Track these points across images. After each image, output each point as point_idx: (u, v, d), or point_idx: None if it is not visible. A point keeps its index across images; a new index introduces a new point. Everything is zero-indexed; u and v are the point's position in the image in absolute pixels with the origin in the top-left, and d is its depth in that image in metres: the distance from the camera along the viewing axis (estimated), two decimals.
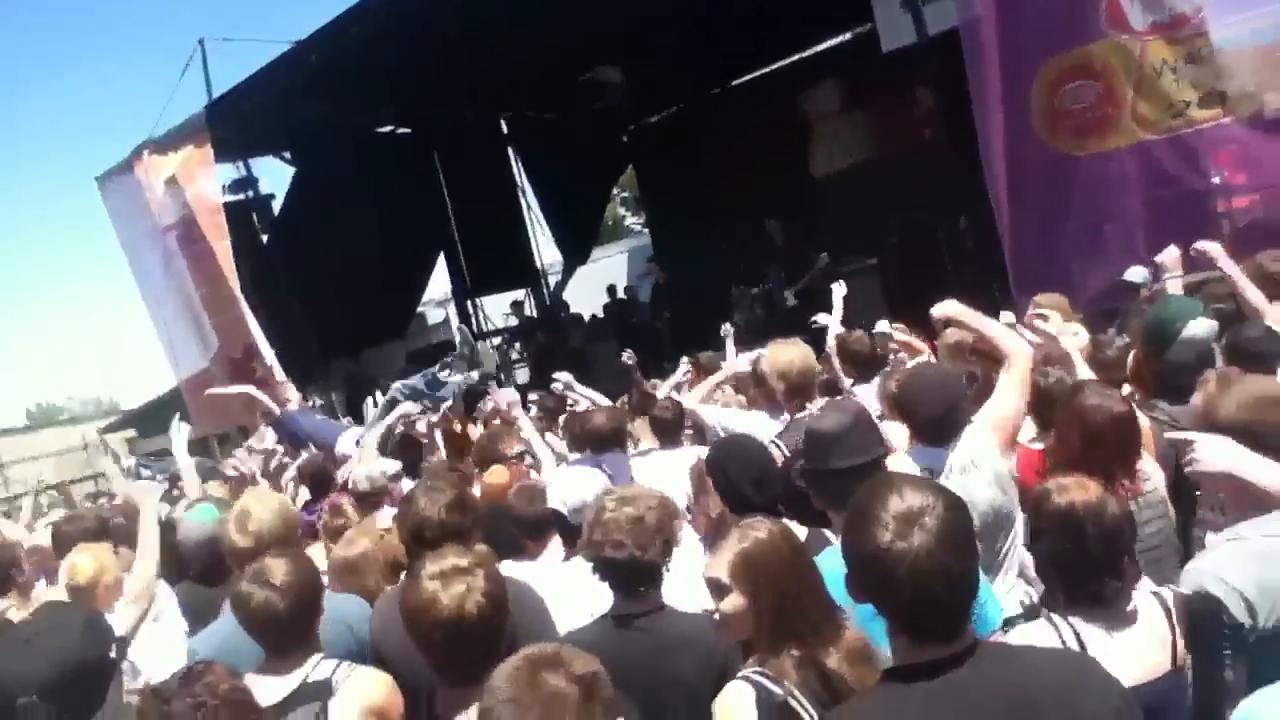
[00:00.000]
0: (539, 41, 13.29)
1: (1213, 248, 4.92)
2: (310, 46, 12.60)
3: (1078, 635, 2.56)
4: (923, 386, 3.75)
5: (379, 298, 16.01)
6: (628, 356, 8.67)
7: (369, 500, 5.17)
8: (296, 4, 56.77)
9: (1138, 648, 2.57)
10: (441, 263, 17.57)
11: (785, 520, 2.80)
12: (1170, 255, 5.49)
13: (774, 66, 17.53)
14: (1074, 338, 4.93)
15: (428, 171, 16.77)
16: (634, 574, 2.90)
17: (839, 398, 5.41)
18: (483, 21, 12.42)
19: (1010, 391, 3.61)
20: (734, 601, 2.47)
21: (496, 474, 5.06)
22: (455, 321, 18.43)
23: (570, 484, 3.87)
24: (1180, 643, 2.59)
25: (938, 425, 3.58)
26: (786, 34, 16.03)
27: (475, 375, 9.49)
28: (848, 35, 16.27)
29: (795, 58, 17.28)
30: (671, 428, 5.70)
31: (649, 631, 2.82)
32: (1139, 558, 2.92)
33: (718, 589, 2.51)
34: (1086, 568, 2.61)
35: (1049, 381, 3.97)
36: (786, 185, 16.26)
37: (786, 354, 4.98)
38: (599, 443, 5.36)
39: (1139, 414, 3.62)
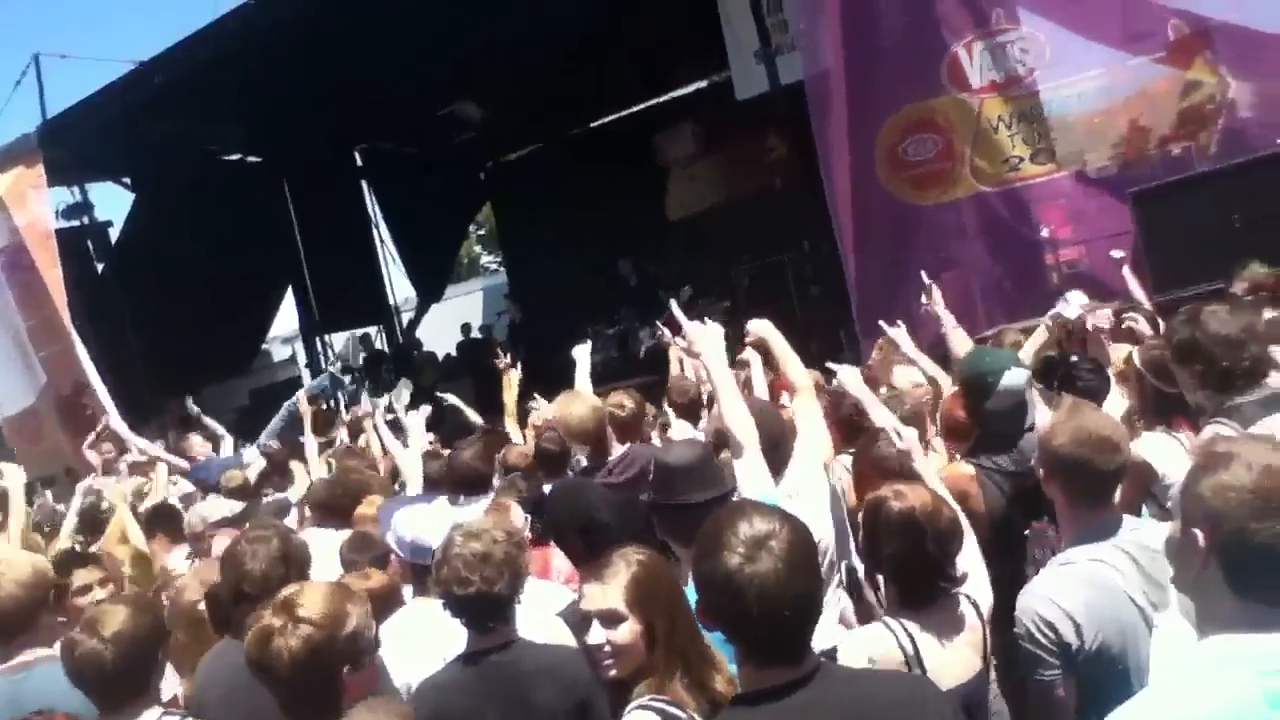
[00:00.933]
0: (397, 73, 13.16)
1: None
2: (155, 67, 12.15)
3: (911, 637, 2.68)
4: None
5: (221, 333, 15.39)
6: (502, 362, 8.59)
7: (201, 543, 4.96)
8: (141, 23, 54.83)
9: (959, 650, 2.73)
10: (290, 297, 17.08)
11: None
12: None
13: (632, 110, 17.80)
14: (911, 381, 5.18)
15: (277, 202, 16.30)
16: (484, 610, 2.86)
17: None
18: (338, 50, 12.23)
19: (811, 417, 3.76)
20: (630, 629, 2.40)
21: (369, 504, 4.88)
22: (303, 358, 17.89)
23: (415, 520, 3.77)
24: (989, 644, 2.78)
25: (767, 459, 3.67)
26: (645, 79, 16.34)
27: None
28: (704, 83, 16.68)
29: (653, 102, 17.61)
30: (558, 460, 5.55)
31: (504, 666, 2.79)
32: None
33: (611, 619, 2.43)
34: (923, 569, 2.74)
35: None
36: (642, 227, 16.49)
37: (576, 410, 5.01)
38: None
39: (963, 463, 3.83)
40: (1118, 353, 4.80)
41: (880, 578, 2.90)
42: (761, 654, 1.97)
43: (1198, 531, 1.76)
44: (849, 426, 4.32)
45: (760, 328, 4.06)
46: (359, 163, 18.00)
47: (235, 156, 16.45)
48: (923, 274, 6.26)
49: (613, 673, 2.43)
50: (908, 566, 2.76)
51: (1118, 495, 2.81)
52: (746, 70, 12.19)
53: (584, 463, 5.12)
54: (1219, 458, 1.77)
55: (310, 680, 2.38)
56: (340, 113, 14.64)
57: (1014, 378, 3.83)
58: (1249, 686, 1.63)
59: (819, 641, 2.11)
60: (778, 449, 3.65)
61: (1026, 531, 3.46)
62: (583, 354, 6.52)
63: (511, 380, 7.95)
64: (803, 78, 9.82)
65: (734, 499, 3.08)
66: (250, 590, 3.11)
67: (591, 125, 18.37)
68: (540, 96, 16.09)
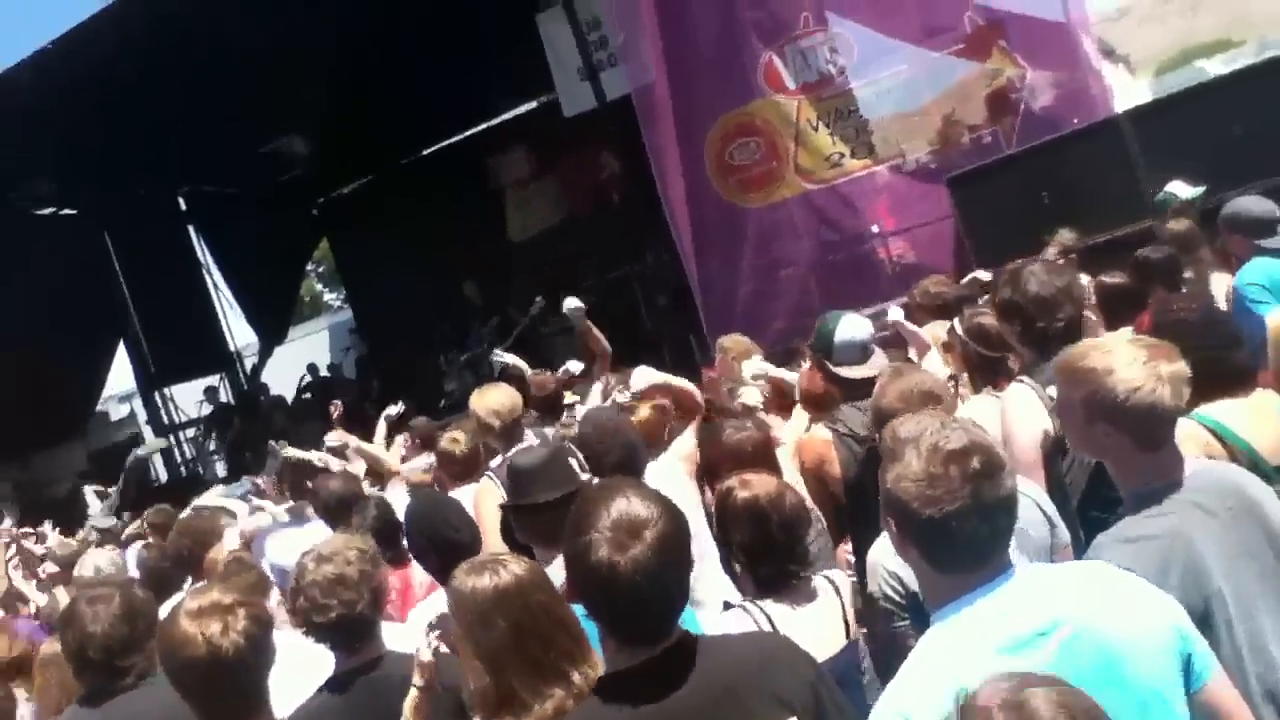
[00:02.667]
0: (212, 113, 12.74)
1: (897, 318, 5.45)
2: None
3: (769, 619, 2.78)
4: (599, 431, 3.91)
5: (49, 396, 14.55)
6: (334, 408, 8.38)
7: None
8: None
9: (820, 626, 2.82)
10: (123, 353, 16.30)
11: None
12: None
13: (463, 135, 17.72)
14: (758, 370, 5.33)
15: (99, 255, 15.57)
16: (346, 632, 2.82)
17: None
18: (146, 93, 11.77)
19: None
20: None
21: (219, 550, 4.71)
22: (143, 415, 17.09)
23: (284, 545, 3.71)
24: (851, 617, 2.90)
25: (621, 467, 3.73)
26: (474, 103, 16.26)
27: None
28: (533, 104, 16.74)
29: (483, 126, 17.56)
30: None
31: (376, 682, 2.75)
32: None
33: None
34: (772, 553, 2.84)
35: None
36: (484, 250, 16.40)
37: (495, 396, 4.95)
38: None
39: (822, 426, 3.99)
40: (938, 329, 5.03)
41: (735, 565, 2.97)
42: (624, 635, 1.99)
43: (890, 520, 1.93)
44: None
45: (644, 378, 4.15)
46: (183, 207, 17.36)
47: (49, 211, 15.62)
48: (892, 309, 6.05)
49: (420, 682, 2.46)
50: (758, 552, 2.86)
51: None
52: (571, 88, 12.35)
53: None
54: (897, 444, 1.93)
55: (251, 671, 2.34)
56: (157, 157, 14.07)
57: (851, 327, 4.00)
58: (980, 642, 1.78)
59: None
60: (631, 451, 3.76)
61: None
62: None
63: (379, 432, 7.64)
64: (628, 92, 10.02)
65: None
66: (95, 655, 2.99)
67: (423, 153, 18.19)
68: (367, 128, 15.82)
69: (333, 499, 4.80)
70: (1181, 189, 6.13)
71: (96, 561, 5.05)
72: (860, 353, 4.03)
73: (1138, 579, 1.95)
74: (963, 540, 1.82)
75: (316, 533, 3.89)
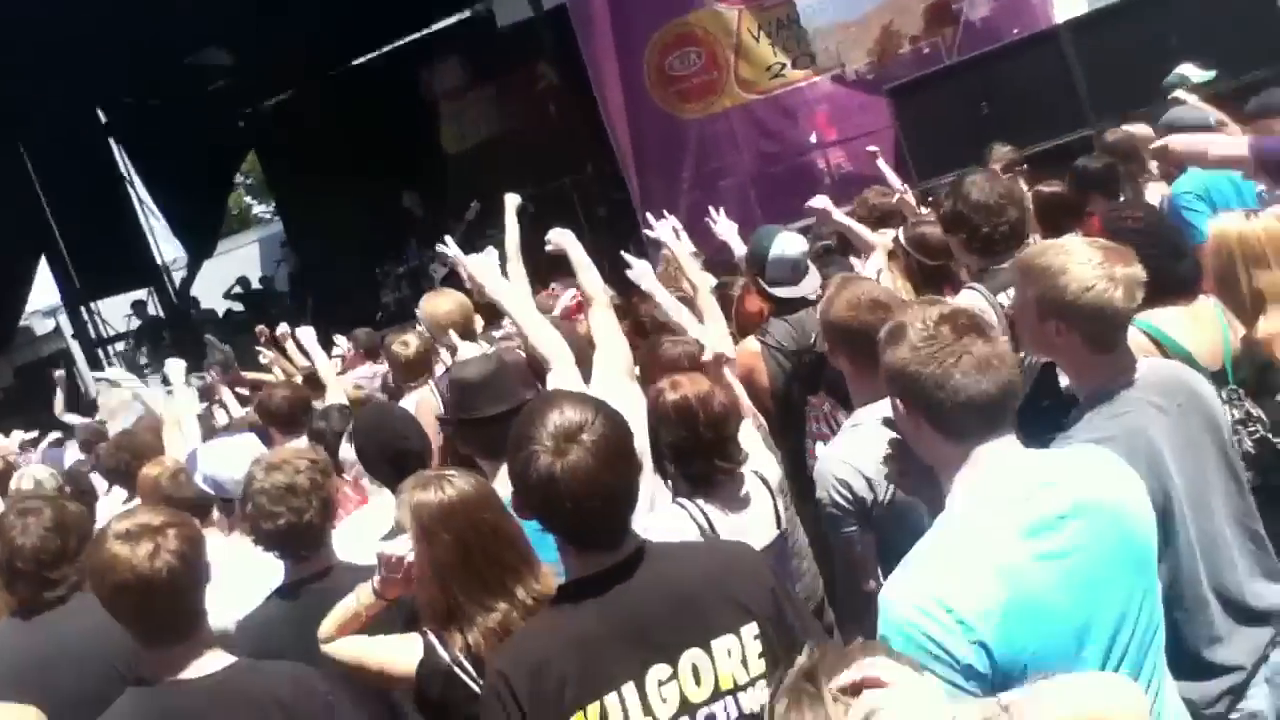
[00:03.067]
0: (132, 22, 12.21)
1: (823, 202, 5.42)
2: None
3: (705, 515, 2.84)
4: None
5: None
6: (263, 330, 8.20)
7: None
8: None
9: (753, 519, 2.91)
10: (45, 268, 15.81)
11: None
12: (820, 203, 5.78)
13: (394, 45, 17.22)
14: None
15: (16, 168, 14.95)
16: (295, 540, 2.83)
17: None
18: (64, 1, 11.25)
19: (607, 329, 3.72)
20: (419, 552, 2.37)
21: (155, 464, 4.60)
22: (69, 329, 16.64)
23: (218, 457, 3.65)
24: (781, 511, 3.01)
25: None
26: (405, 12, 15.77)
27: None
28: (466, 12, 16.29)
29: (416, 36, 17.07)
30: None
31: (325, 593, 2.74)
32: None
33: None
34: (700, 452, 2.88)
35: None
36: (419, 163, 16.10)
37: (443, 304, 4.88)
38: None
39: (752, 339, 4.03)
40: (882, 237, 5.05)
41: (667, 465, 2.99)
42: (578, 543, 2.01)
43: (898, 401, 1.96)
44: (643, 330, 4.42)
45: (560, 236, 4.04)
46: (103, 120, 16.73)
47: None
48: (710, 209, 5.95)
49: (391, 592, 2.44)
50: (686, 451, 2.89)
51: None
52: None
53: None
54: (893, 332, 1.95)
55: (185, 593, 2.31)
56: (76, 69, 13.48)
57: (783, 243, 4.03)
58: (1005, 528, 1.81)
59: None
60: (578, 364, 3.72)
61: (806, 407, 3.67)
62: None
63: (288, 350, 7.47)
64: (565, 1, 9.80)
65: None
66: (24, 566, 2.97)
67: (352, 64, 17.67)
68: (293, 37, 15.24)
69: (283, 407, 4.74)
70: (1193, 72, 6.05)
71: (35, 474, 4.96)
72: (791, 270, 4.07)
73: (1120, 460, 2.01)
74: (964, 397, 1.84)
75: (248, 444, 3.82)
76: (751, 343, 4.00)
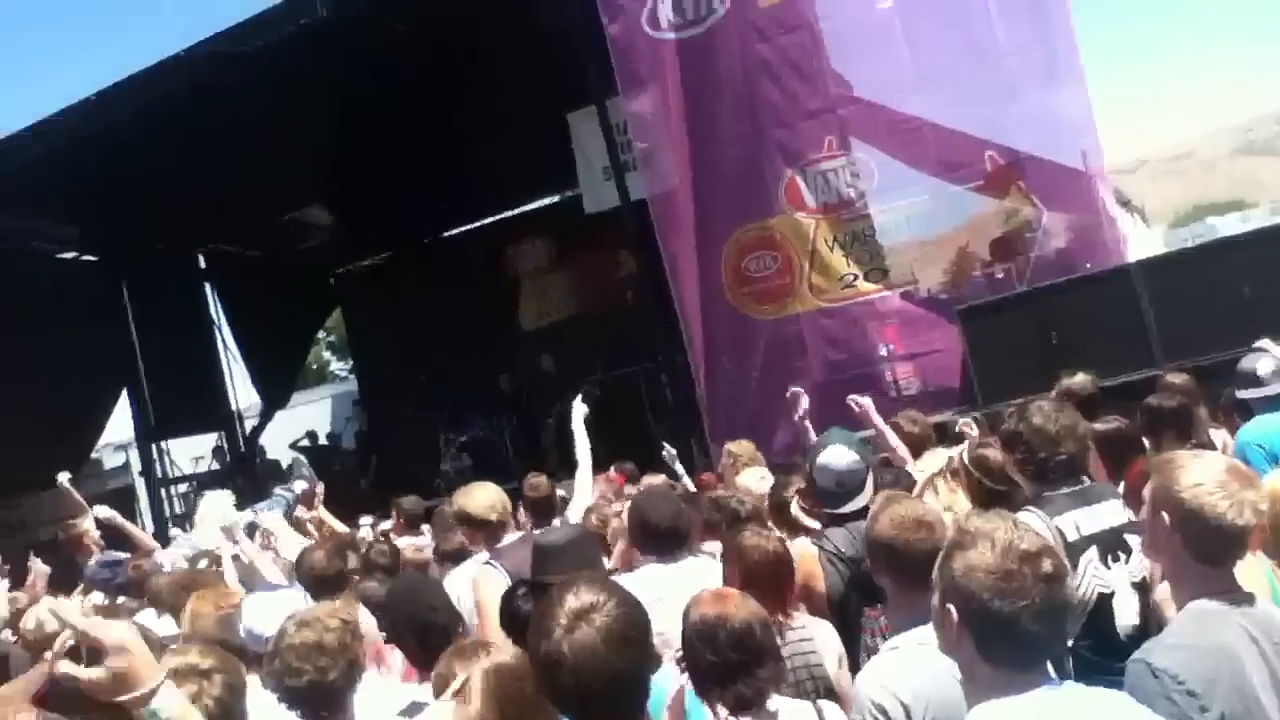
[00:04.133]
0: (243, 175, 12.98)
1: (864, 403, 5.51)
2: None
3: None
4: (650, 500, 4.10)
5: (47, 438, 14.51)
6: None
7: None
8: None
9: None
10: (125, 403, 16.30)
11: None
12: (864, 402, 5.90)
13: (485, 221, 18.02)
14: (761, 481, 5.33)
15: (114, 303, 15.66)
16: (318, 700, 2.80)
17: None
18: (181, 149, 12.01)
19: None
20: None
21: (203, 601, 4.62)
22: (137, 466, 17.00)
23: (260, 611, 3.66)
24: None
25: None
26: (499, 192, 16.60)
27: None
28: (556, 197, 17.07)
29: (506, 214, 17.89)
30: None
31: None
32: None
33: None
34: (725, 671, 2.77)
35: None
36: (496, 337, 16.55)
37: (484, 496, 4.94)
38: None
39: (809, 543, 3.99)
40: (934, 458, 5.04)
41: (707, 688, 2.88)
42: None
43: (950, 607, 1.92)
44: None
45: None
46: (202, 264, 17.56)
47: (70, 255, 15.83)
48: (798, 392, 6.21)
49: None
50: (710, 671, 2.80)
51: None
52: (595, 186, 12.59)
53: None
54: (968, 536, 1.94)
55: None
56: (183, 213, 14.31)
57: (830, 455, 4.04)
58: None
59: None
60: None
61: (862, 618, 3.59)
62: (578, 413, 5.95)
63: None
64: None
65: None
66: None
67: (444, 235, 18.48)
68: (391, 206, 16.15)
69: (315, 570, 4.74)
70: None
71: (39, 615, 4.93)
72: (835, 484, 4.05)
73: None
74: (1025, 639, 1.85)
75: (291, 600, 3.83)
76: (809, 548, 3.96)
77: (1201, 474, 2.30)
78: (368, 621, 3.82)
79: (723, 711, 2.77)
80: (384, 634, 3.68)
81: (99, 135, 11.29)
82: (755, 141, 9.58)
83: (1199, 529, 2.29)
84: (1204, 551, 2.31)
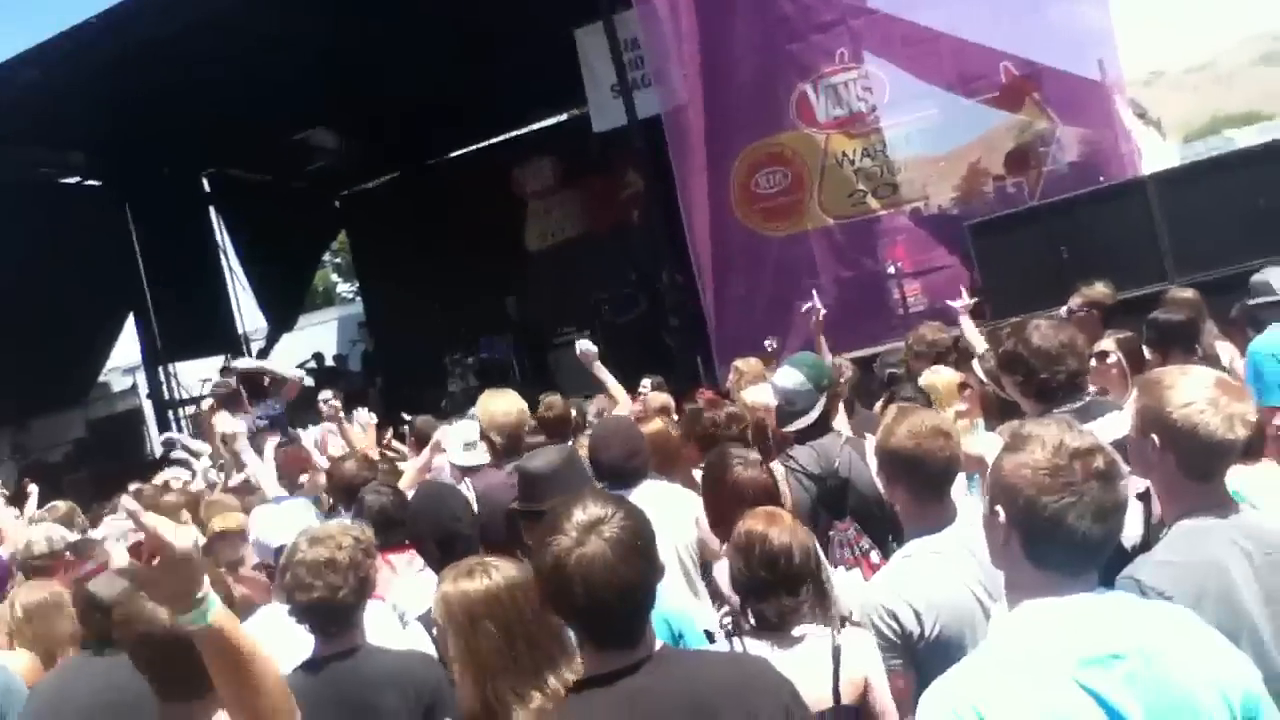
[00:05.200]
0: (247, 99, 12.81)
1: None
2: None
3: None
4: (605, 430, 4.11)
5: (54, 362, 14.57)
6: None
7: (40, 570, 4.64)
8: None
9: (801, 677, 2.70)
10: (130, 326, 16.33)
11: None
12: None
13: (490, 141, 17.83)
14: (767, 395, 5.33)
15: (119, 228, 15.61)
16: (328, 616, 2.81)
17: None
18: (185, 74, 11.85)
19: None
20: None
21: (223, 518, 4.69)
22: (144, 389, 17.07)
23: (269, 523, 3.69)
24: (844, 686, 2.71)
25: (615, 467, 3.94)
26: (504, 112, 16.38)
27: None
28: (563, 116, 16.83)
29: (511, 134, 17.68)
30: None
31: (346, 671, 2.73)
32: None
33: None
34: (754, 588, 2.80)
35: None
36: (500, 258, 16.48)
37: (501, 404, 4.91)
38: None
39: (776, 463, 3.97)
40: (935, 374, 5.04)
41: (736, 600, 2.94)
42: (594, 639, 2.01)
43: (999, 508, 1.90)
44: (707, 441, 4.43)
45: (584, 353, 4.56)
46: (206, 188, 17.43)
47: (74, 180, 15.73)
48: (814, 296, 6.61)
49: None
50: (741, 585, 2.84)
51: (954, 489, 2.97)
52: (603, 104, 12.40)
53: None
54: (1020, 439, 1.92)
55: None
56: (187, 137, 14.16)
57: (780, 376, 4.13)
58: (1062, 676, 1.76)
59: None
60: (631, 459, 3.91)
61: (831, 531, 3.61)
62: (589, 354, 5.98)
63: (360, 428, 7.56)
64: (659, 112, 10.06)
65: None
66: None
67: (449, 156, 18.30)
68: (397, 126, 15.97)
69: (344, 482, 4.76)
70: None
71: (48, 533, 4.97)
72: (786, 401, 4.05)
73: (1222, 637, 1.93)
74: (1071, 537, 1.81)
75: (300, 512, 3.86)
76: (774, 465, 3.96)
77: (1190, 392, 2.28)
78: None
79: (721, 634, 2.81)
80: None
81: (100, 59, 11.16)
82: (767, 55, 9.41)
83: (1190, 446, 2.28)
84: (1195, 468, 2.31)
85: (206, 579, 1.83)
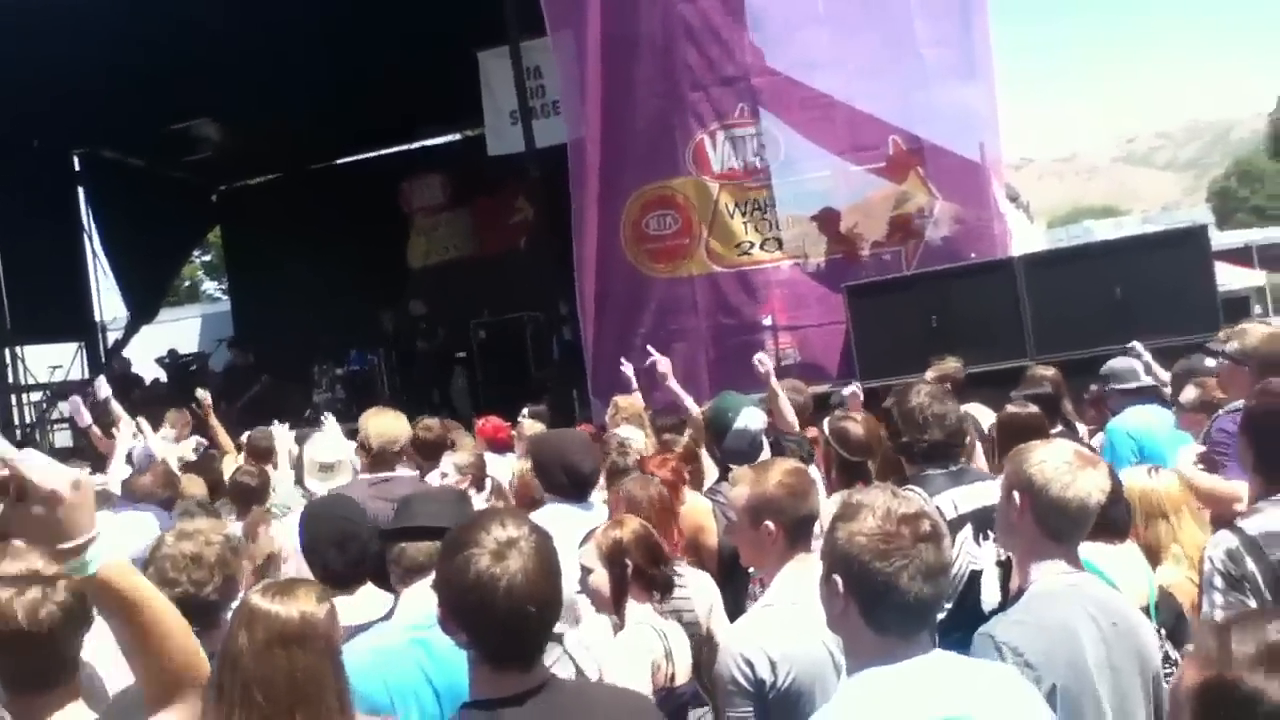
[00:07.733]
0: (130, 80, 12.35)
1: (767, 365, 5.73)
2: None
3: (666, 635, 3.07)
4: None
5: None
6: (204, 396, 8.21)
7: None
8: None
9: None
10: None
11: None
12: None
13: (381, 152, 17.57)
14: (636, 434, 5.41)
15: None
16: (190, 614, 2.70)
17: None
18: (66, 45, 11.34)
19: None
20: None
21: None
22: None
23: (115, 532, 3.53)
24: (675, 670, 3.12)
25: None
26: (397, 123, 16.15)
27: None
28: (457, 135, 16.73)
29: (402, 148, 17.47)
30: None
31: None
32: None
33: None
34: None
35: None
36: (381, 271, 16.22)
37: (387, 422, 4.83)
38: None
39: (700, 496, 4.09)
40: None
41: None
42: (500, 656, 2.01)
43: (837, 577, 2.00)
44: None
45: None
46: (77, 167, 16.69)
47: None
48: (649, 349, 6.65)
49: None
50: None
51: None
52: (501, 129, 12.42)
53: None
54: (852, 508, 2.04)
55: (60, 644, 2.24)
56: (61, 113, 13.55)
57: (749, 418, 4.16)
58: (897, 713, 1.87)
59: None
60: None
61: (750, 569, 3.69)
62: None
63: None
64: (558, 143, 10.13)
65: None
66: None
67: (336, 162, 17.96)
68: (285, 125, 15.53)
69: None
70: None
71: None
72: (749, 445, 4.18)
73: (1040, 699, 2.09)
74: (905, 599, 1.92)
75: (145, 525, 3.73)
76: (701, 500, 4.05)
77: (1053, 456, 2.49)
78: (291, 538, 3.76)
79: None
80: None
81: None
82: (668, 100, 9.59)
83: (1047, 504, 2.45)
84: (1052, 528, 2.47)
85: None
